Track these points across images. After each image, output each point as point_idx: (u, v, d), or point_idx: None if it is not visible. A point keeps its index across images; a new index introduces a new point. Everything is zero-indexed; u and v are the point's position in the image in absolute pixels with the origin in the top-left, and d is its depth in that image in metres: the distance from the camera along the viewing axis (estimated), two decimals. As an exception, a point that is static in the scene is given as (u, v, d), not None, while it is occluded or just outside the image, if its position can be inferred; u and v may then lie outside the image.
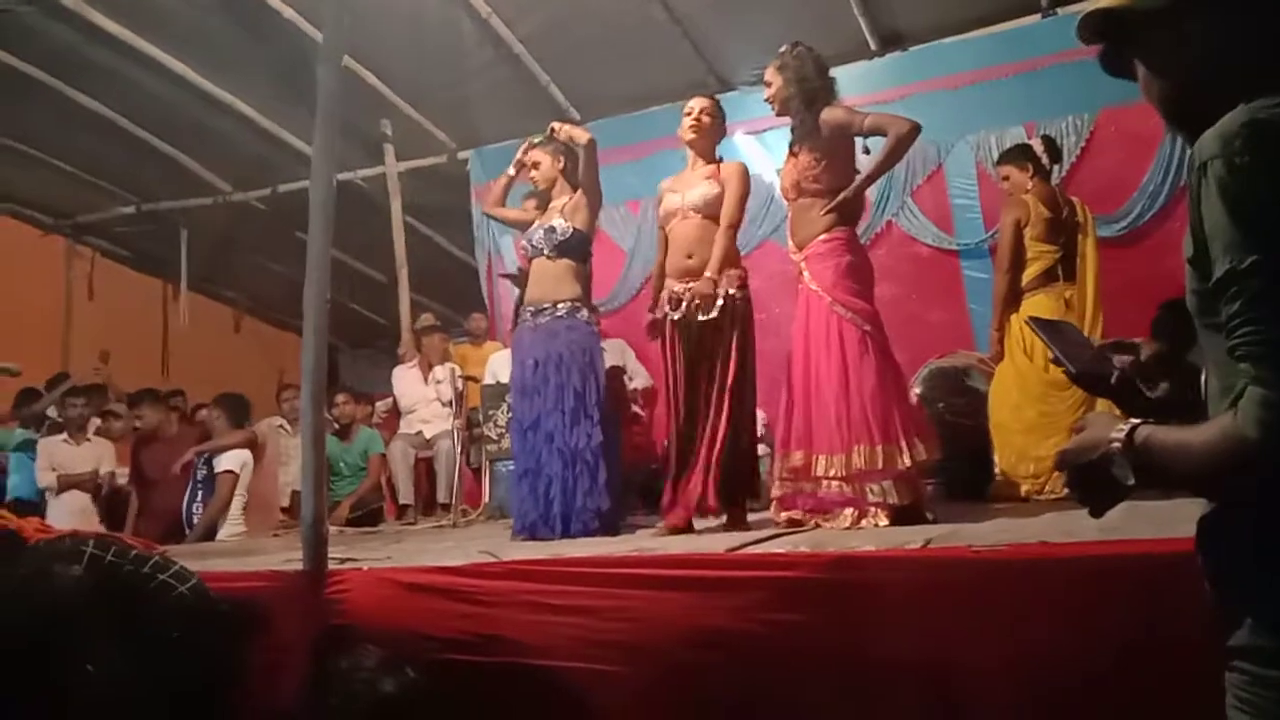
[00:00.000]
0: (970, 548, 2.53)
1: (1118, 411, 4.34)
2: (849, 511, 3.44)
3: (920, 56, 5.93)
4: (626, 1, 5.65)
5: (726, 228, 3.86)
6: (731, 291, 3.85)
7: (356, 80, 6.14)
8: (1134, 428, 1.15)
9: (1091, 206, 4.79)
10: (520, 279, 4.86)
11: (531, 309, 4.21)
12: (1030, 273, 4.53)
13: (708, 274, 3.79)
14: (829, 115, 3.60)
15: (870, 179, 3.67)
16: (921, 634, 2.31)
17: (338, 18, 3.34)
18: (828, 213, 3.60)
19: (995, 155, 5.48)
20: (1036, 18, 5.70)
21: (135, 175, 7.90)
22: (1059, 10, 5.64)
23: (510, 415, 4.33)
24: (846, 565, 2.49)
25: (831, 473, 3.45)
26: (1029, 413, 4.47)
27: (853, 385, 3.46)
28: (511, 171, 4.55)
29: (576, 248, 4.22)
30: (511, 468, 4.47)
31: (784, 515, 3.61)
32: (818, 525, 3.51)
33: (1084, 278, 4.59)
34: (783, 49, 3.75)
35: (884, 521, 3.37)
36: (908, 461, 3.42)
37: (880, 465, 3.39)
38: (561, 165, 4.34)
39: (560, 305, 4.15)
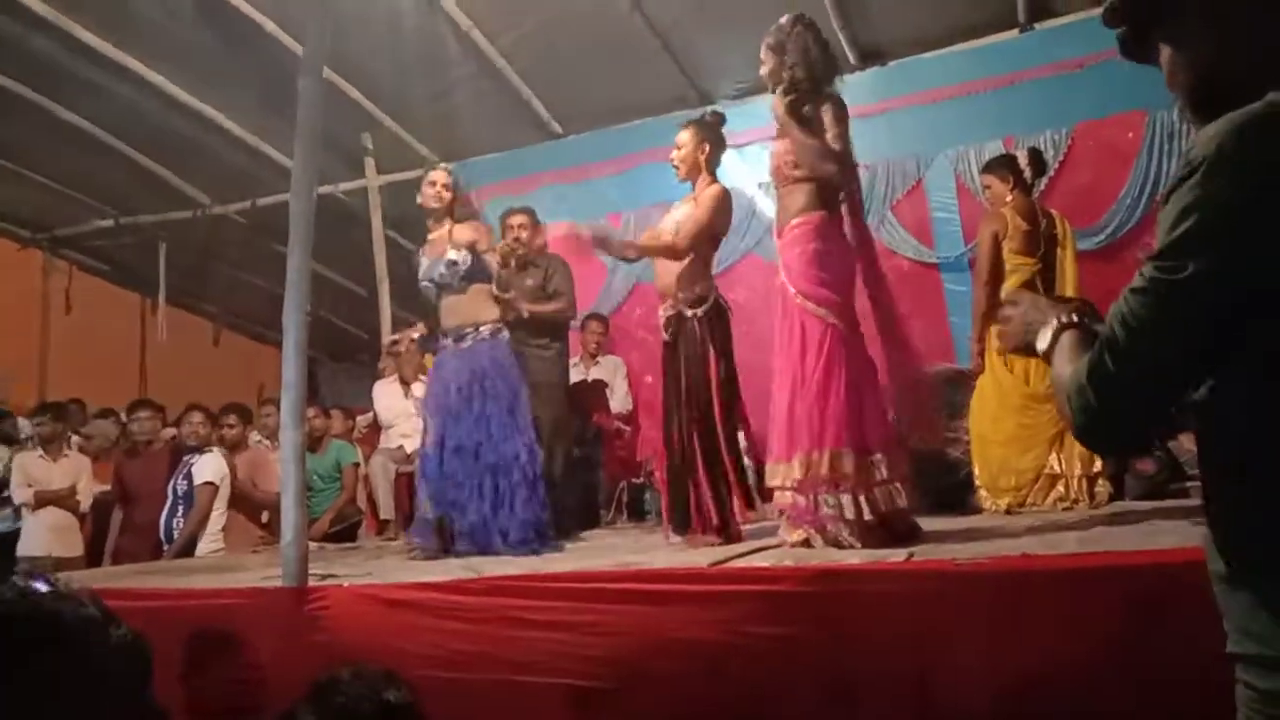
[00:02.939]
0: (953, 560, 2.54)
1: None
2: (812, 532, 3.20)
3: (900, 71, 5.97)
4: (609, 15, 5.66)
5: (675, 254, 3.86)
6: (688, 313, 3.85)
7: (338, 93, 6.12)
8: (1061, 330, 1.25)
9: (1070, 220, 4.81)
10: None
11: (453, 335, 4.30)
12: (1009, 285, 4.54)
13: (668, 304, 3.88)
14: (824, 115, 3.39)
15: (805, 162, 3.37)
16: (905, 646, 2.31)
17: (319, 30, 3.34)
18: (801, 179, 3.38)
19: (974, 169, 5.54)
20: (1015, 33, 5.75)
21: (114, 188, 7.82)
22: (1036, 26, 5.69)
23: (431, 438, 4.27)
24: (830, 578, 2.50)
25: (779, 481, 3.23)
26: (1008, 425, 4.48)
27: (806, 383, 3.20)
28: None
29: (481, 271, 4.31)
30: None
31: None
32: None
33: (1063, 290, 4.62)
34: (782, 21, 3.51)
35: (855, 543, 3.09)
36: (880, 473, 3.18)
37: (826, 473, 3.13)
38: (451, 196, 4.47)
39: (484, 328, 4.29)
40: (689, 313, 3.85)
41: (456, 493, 4.09)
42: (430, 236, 4.44)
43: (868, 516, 3.15)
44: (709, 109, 4.39)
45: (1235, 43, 1.14)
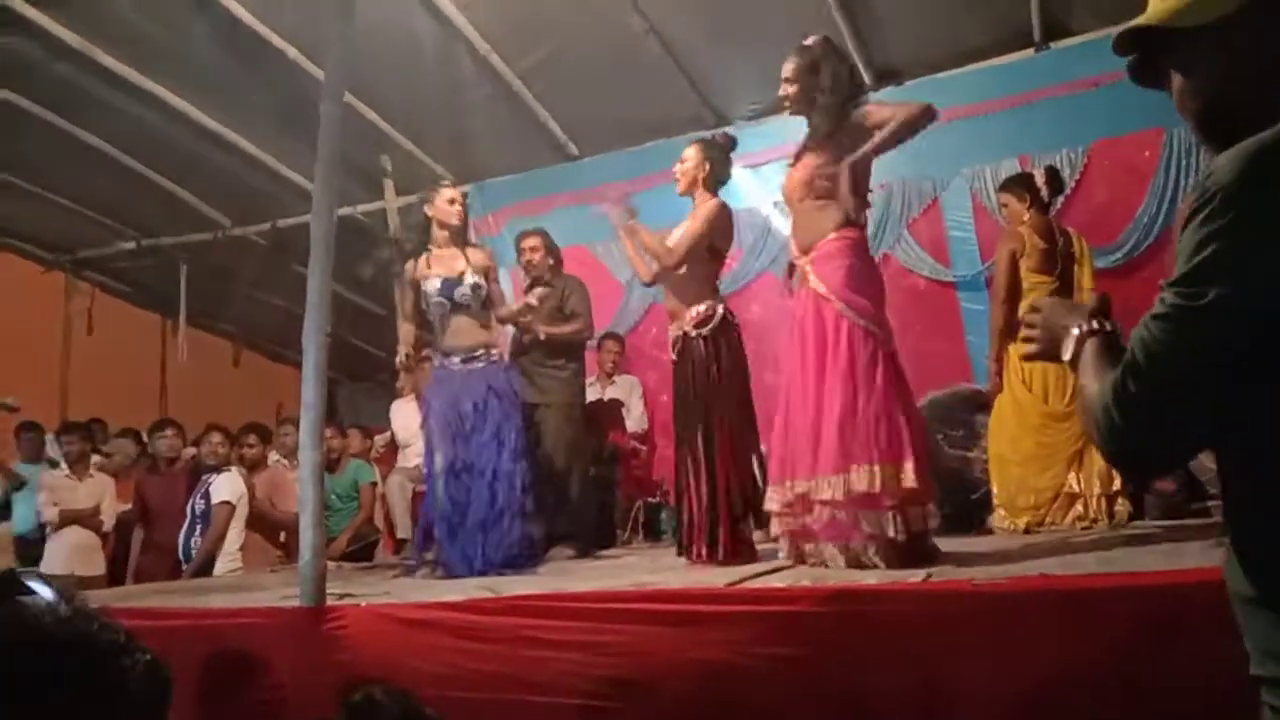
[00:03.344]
0: (971, 581, 2.52)
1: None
2: (834, 551, 3.18)
3: (916, 91, 5.95)
4: (624, 38, 5.70)
5: (669, 260, 3.89)
6: (693, 332, 3.86)
7: (357, 116, 6.18)
8: (1084, 339, 1.25)
9: (1087, 238, 4.81)
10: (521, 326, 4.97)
11: (461, 355, 4.36)
12: (1026, 304, 4.54)
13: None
14: (857, 113, 3.41)
15: (877, 148, 3.37)
16: (923, 668, 2.30)
17: (340, 56, 3.38)
18: (830, 192, 3.35)
19: (991, 188, 5.54)
20: (1030, 52, 5.75)
21: (136, 210, 7.92)
22: (1052, 45, 5.69)
23: (440, 458, 4.29)
24: (847, 599, 2.49)
25: (828, 496, 3.14)
26: (1027, 444, 4.46)
27: (860, 397, 3.15)
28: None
29: (488, 296, 4.47)
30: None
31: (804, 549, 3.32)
32: (801, 561, 3.31)
33: (1080, 309, 4.59)
34: (809, 42, 3.49)
35: (879, 563, 3.07)
36: (913, 484, 3.11)
37: (878, 488, 3.07)
38: (464, 218, 4.58)
39: (493, 351, 4.44)
40: (694, 332, 3.86)
41: (463, 510, 4.15)
42: (437, 253, 4.47)
43: (902, 536, 3.11)
44: (720, 130, 4.41)
45: (1243, 71, 1.14)
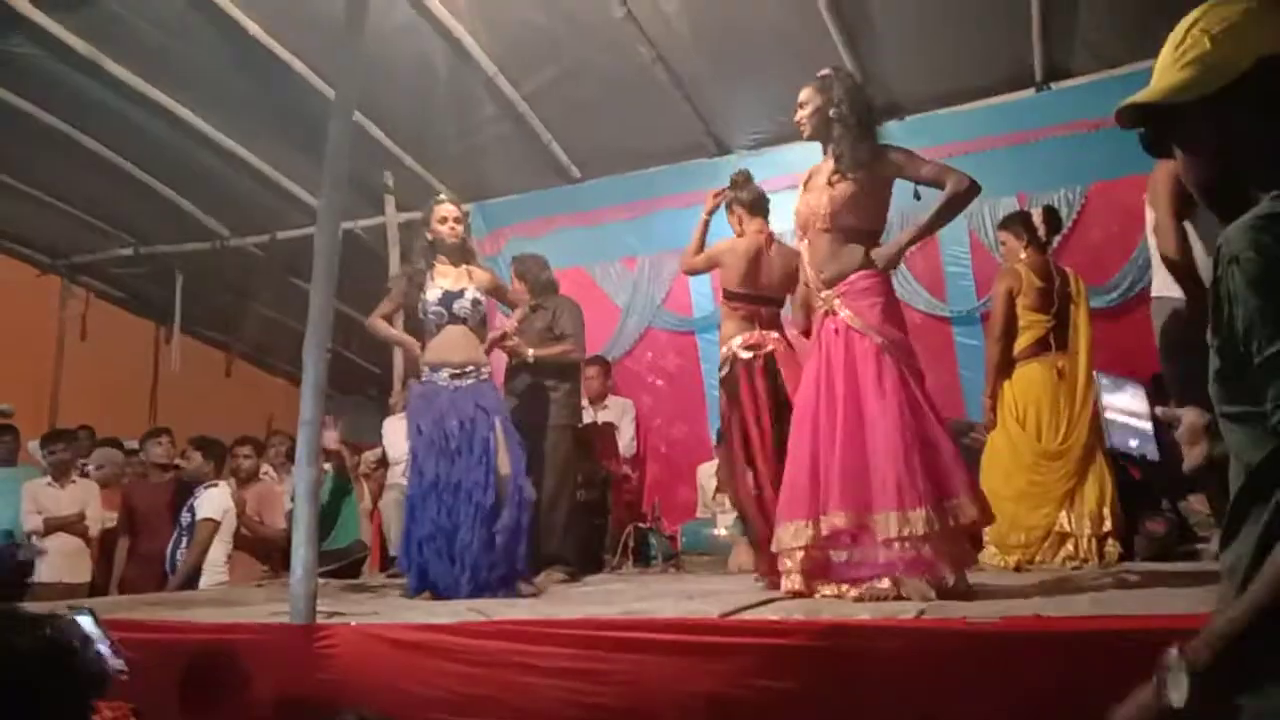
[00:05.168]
0: (965, 619, 2.52)
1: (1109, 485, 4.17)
2: (920, 584, 3.09)
3: (916, 126, 6.00)
4: (630, 63, 5.74)
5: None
6: (743, 355, 4.02)
7: (362, 132, 6.20)
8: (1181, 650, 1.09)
9: (1083, 277, 4.84)
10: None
11: (451, 370, 4.30)
12: (1023, 341, 4.57)
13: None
14: (893, 155, 3.43)
15: (923, 233, 3.54)
16: (914, 705, 2.29)
17: (351, 76, 3.39)
18: (877, 262, 3.40)
19: (989, 225, 5.58)
20: (1030, 92, 5.81)
21: (134, 217, 7.92)
22: (1052, 85, 5.75)
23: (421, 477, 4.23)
24: (840, 634, 2.48)
25: (905, 532, 3.08)
26: (1020, 481, 4.47)
27: (933, 431, 3.23)
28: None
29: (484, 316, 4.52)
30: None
31: (818, 588, 3.30)
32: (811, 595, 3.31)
33: (1076, 347, 4.61)
34: (826, 72, 3.54)
35: (930, 594, 3.05)
36: (964, 519, 3.19)
37: (937, 527, 3.09)
38: (463, 231, 4.54)
39: (484, 369, 4.38)
40: (744, 355, 4.05)
41: (449, 532, 4.11)
42: (440, 268, 4.44)
43: (954, 572, 3.19)
44: (737, 171, 4.45)
45: (1242, 144, 1.17)
